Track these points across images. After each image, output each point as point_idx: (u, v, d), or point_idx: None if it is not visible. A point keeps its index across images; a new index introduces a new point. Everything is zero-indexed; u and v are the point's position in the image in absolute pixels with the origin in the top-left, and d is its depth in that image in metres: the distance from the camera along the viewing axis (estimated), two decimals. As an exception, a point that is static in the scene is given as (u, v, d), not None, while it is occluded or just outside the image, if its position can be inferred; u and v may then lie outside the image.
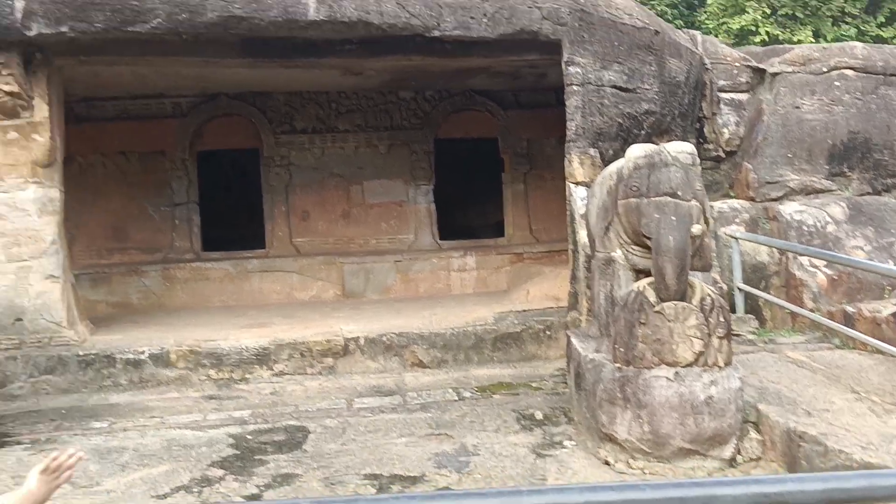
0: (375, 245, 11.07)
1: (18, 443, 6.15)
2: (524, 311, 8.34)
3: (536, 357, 7.86)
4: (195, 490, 5.09)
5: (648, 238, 4.92)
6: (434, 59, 8.26)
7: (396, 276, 10.61)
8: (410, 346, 7.92)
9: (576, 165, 7.62)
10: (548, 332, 7.92)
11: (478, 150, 11.68)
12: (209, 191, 11.26)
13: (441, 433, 6.00)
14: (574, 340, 5.93)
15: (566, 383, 6.79)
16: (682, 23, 16.41)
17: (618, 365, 4.99)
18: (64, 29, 7.11)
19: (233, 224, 11.92)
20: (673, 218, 4.83)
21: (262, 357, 7.80)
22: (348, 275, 10.60)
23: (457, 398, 6.94)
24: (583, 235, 6.96)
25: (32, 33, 7.13)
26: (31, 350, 7.66)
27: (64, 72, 8.08)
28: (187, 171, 10.85)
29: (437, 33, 7.56)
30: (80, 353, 7.66)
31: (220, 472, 5.37)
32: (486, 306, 8.78)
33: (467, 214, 13.05)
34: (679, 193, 4.89)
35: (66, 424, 6.61)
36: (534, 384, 7.16)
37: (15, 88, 7.39)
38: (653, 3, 16.28)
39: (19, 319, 7.80)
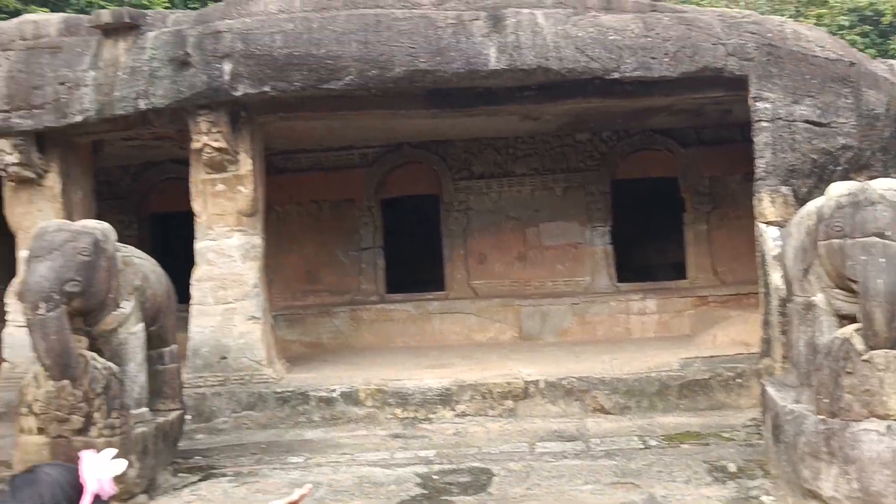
0: (552, 287, 11.06)
1: (224, 475, 6.58)
2: (711, 357, 8.03)
3: (726, 406, 7.52)
4: (386, 528, 5.25)
5: (854, 281, 4.64)
6: (613, 101, 8.25)
7: (573, 319, 10.53)
8: (591, 391, 7.81)
9: (766, 204, 7.30)
10: (738, 380, 7.57)
11: (656, 189, 11.46)
12: (393, 236, 11.71)
13: (627, 482, 5.86)
14: (770, 389, 5.64)
15: (760, 434, 6.45)
16: (874, 52, 15.45)
17: (821, 417, 4.69)
18: (266, 88, 7.70)
19: (415, 268, 12.30)
20: (882, 260, 4.53)
21: (445, 398, 7.95)
22: (525, 317, 10.64)
23: (642, 446, 6.76)
24: (776, 278, 6.65)
25: (238, 94, 7.76)
26: (235, 387, 8.20)
27: (265, 128, 8.72)
28: (373, 217, 11.34)
29: (616, 75, 7.55)
30: (278, 390, 8.13)
31: (410, 512, 5.50)
32: (670, 351, 8.53)
33: (646, 253, 12.79)
34: (887, 233, 4.58)
35: (266, 458, 7.00)
36: (724, 434, 6.85)
37: (223, 144, 8.05)
38: (842, 33, 15.44)
39: (224, 358, 8.39)
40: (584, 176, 11.07)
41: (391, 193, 11.43)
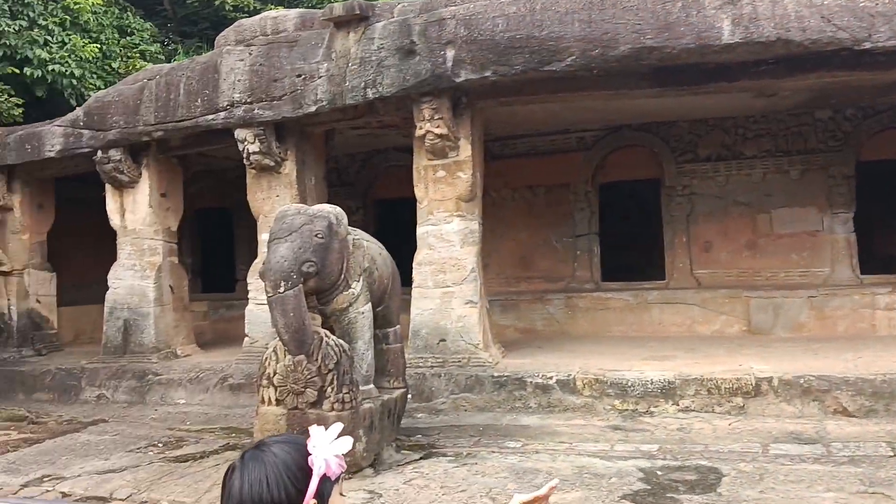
0: (784, 279, 10.29)
1: (444, 454, 6.69)
2: (978, 358, 7.11)
3: None
4: (610, 521, 5.08)
5: None
6: (861, 74, 7.48)
7: (810, 313, 9.74)
8: (832, 392, 7.16)
9: None
10: None
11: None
12: (609, 221, 11.41)
13: (876, 492, 5.29)
14: None
15: None
16: None
17: None
18: (487, 74, 7.71)
19: (631, 255, 11.93)
20: None
21: (667, 391, 7.62)
22: (755, 309, 9.98)
23: (892, 454, 6.10)
24: None
25: (460, 79, 7.83)
26: (453, 369, 8.34)
27: (484, 113, 8.76)
28: (589, 202, 11.12)
29: (867, 45, 6.83)
30: (494, 374, 8.16)
31: (633, 506, 5.29)
32: (926, 350, 7.65)
33: (892, 242, 11.61)
34: None
35: (484, 441, 7.04)
36: None
37: (444, 131, 8.17)
38: None
39: (443, 340, 8.55)
40: (824, 158, 10.19)
41: (609, 178, 11.14)
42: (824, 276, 10.13)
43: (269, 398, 5.82)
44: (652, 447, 6.60)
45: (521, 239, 11.41)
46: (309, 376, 5.71)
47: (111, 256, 9.96)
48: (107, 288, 9.84)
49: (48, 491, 6.03)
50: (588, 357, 8.69)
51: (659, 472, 5.95)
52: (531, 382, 8.03)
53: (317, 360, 5.71)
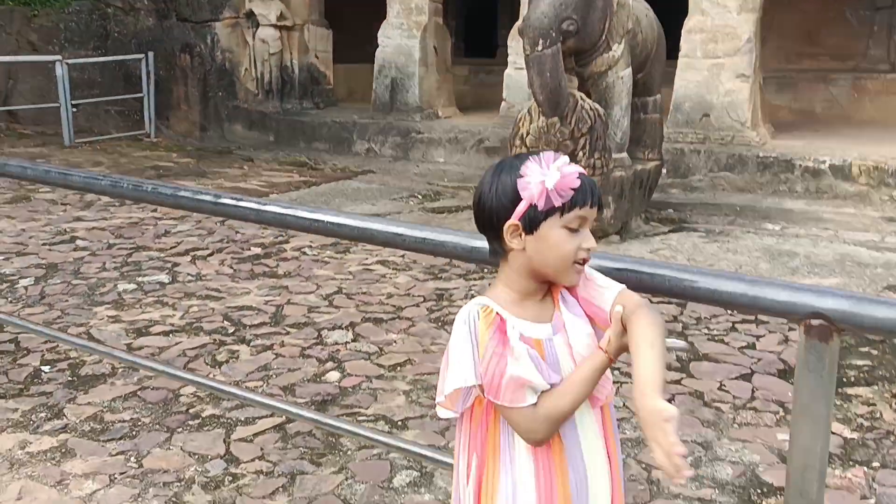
0: None
1: (695, 230, 6.56)
2: None
3: None
4: None
5: None
6: None
7: None
8: None
9: None
10: None
11: None
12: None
13: None
14: None
15: None
16: None
17: None
18: None
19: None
20: None
21: (961, 185, 6.79)
22: None
23: None
24: None
25: None
26: (714, 146, 7.95)
27: None
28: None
29: None
30: (760, 154, 7.69)
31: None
32: None
33: None
34: None
35: (740, 221, 6.79)
36: None
37: None
38: None
39: (706, 115, 8.11)
40: None
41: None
42: None
43: (522, 158, 5.90)
44: (932, 242, 6.03)
45: (807, 10, 10.19)
46: (561, 139, 5.69)
47: (381, 15, 10.25)
48: (377, 47, 10.22)
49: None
50: (870, 143, 7.89)
51: (935, 268, 5.46)
52: (800, 165, 7.49)
53: (570, 122, 5.65)
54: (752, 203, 7.29)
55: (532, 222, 1.39)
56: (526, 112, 5.81)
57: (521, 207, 1.38)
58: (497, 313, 1.42)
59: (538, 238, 1.39)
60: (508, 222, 1.40)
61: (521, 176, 1.39)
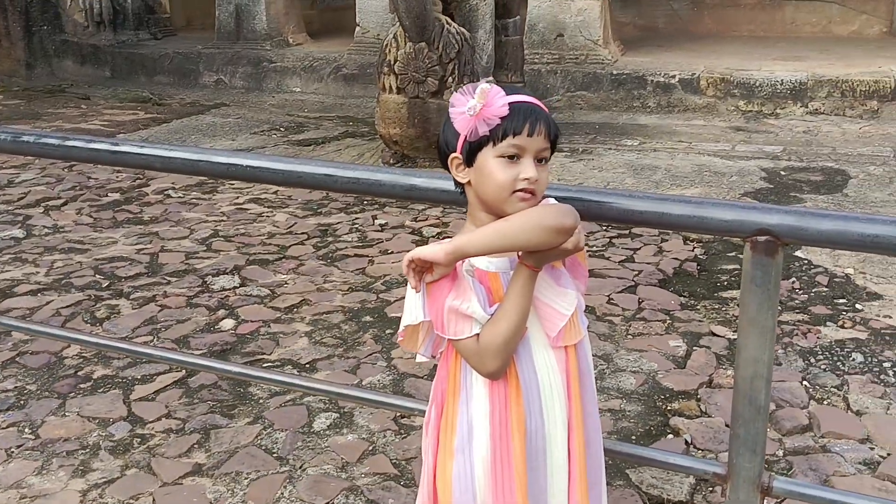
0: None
1: (559, 150, 6.64)
2: None
3: None
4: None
5: None
6: None
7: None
8: (981, 97, 6.69)
9: None
10: None
11: None
12: None
13: None
14: None
15: None
16: None
17: None
18: None
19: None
20: None
21: (797, 92, 7.27)
22: (901, 8, 9.13)
23: None
24: None
25: None
26: (569, 66, 8.09)
27: None
28: None
29: None
30: (613, 72, 7.90)
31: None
32: None
33: None
34: None
35: (600, 139, 6.99)
36: None
37: None
38: None
39: (560, 35, 8.22)
40: None
41: None
42: None
43: (390, 86, 5.80)
44: (776, 148, 6.44)
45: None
46: (430, 65, 5.63)
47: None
48: (216, -27, 9.67)
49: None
50: (712, 57, 8.27)
51: (782, 173, 5.85)
52: (651, 81, 7.77)
53: (438, 48, 5.59)
54: (610, 120, 7.52)
55: (470, 154, 1.40)
56: (392, 38, 5.68)
57: (460, 140, 1.40)
58: None
59: (477, 169, 1.40)
60: (452, 155, 1.42)
61: (452, 106, 1.40)
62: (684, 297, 3.85)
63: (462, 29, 5.70)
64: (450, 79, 5.62)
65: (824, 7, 9.52)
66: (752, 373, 1.58)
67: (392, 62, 5.72)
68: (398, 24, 5.61)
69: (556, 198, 1.60)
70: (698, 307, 3.72)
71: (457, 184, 1.47)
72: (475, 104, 1.36)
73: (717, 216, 1.58)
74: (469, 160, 1.40)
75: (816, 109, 7.17)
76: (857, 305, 3.67)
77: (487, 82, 1.43)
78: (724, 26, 9.80)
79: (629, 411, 2.89)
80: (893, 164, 5.92)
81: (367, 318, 3.60)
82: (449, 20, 5.68)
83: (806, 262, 4.16)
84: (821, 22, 9.53)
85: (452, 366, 1.49)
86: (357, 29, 9.08)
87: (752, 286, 1.54)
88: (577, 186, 1.64)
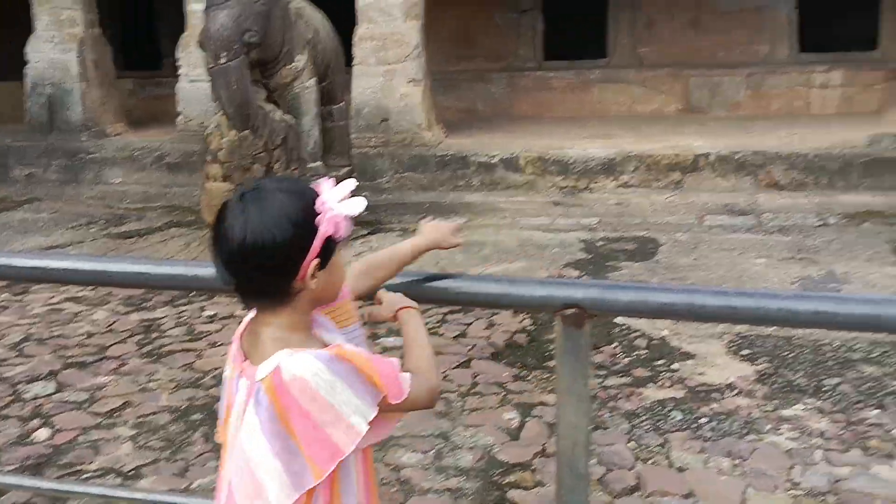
0: (724, 57, 10.27)
1: (391, 229, 6.81)
2: (905, 134, 7.38)
3: (916, 186, 7.01)
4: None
5: None
6: None
7: (747, 92, 9.84)
8: (766, 166, 7.42)
9: None
10: (934, 159, 6.99)
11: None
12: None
13: (804, 258, 5.65)
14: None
15: (955, 217, 6.01)
16: None
17: None
18: None
19: (576, 29, 11.63)
20: None
21: (608, 167, 7.78)
22: (694, 88, 10.03)
23: (819, 223, 6.46)
24: None
25: None
26: (396, 149, 8.29)
27: None
28: (533, -25, 10.69)
29: None
30: (438, 153, 8.17)
31: (576, 273, 5.53)
32: (855, 127, 7.88)
33: (835, 22, 11.54)
34: None
35: (429, 217, 7.15)
36: (912, 215, 6.43)
37: None
38: None
39: (385, 120, 8.43)
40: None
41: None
42: (764, 53, 10.15)
43: (216, 174, 5.72)
44: (592, 220, 6.84)
45: (461, 14, 10.96)
46: (255, 152, 5.61)
47: (23, 29, 9.30)
48: (20, 63, 9.26)
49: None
50: (530, 136, 8.72)
51: (599, 243, 6.21)
52: (474, 161, 8.08)
53: (263, 135, 5.59)
54: (438, 199, 7.74)
55: (327, 253, 1.32)
56: (215, 126, 5.63)
57: (318, 242, 1.30)
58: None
59: (331, 267, 1.34)
60: (313, 262, 1.30)
61: (316, 208, 1.30)
62: (516, 368, 3.95)
63: (287, 116, 5.74)
64: (276, 165, 5.62)
65: (628, 88, 10.30)
66: (572, 440, 1.64)
67: (216, 150, 5.65)
68: (221, 112, 5.57)
69: (391, 283, 1.65)
70: (530, 378, 3.83)
71: (267, 292, 1.34)
72: (352, 203, 1.33)
73: (528, 293, 1.65)
74: (326, 261, 1.32)
75: (626, 183, 7.69)
76: (674, 365, 3.91)
77: (322, 177, 1.41)
78: (539, 108, 10.39)
79: (467, 489, 2.91)
80: (697, 231, 6.42)
81: (196, 416, 3.45)
82: (273, 107, 5.71)
83: (626, 327, 4.38)
84: (626, 102, 10.30)
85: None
86: (179, 117, 8.93)
87: (564, 357, 1.62)
88: (409, 272, 1.68)
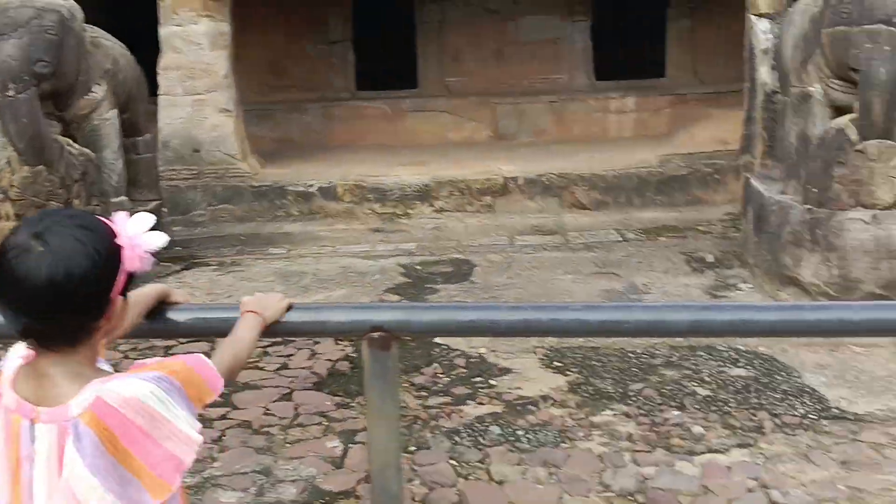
0: (528, 86, 10.79)
1: (207, 264, 6.60)
2: (689, 154, 8.05)
3: (703, 201, 7.64)
4: (376, 313, 5.35)
5: (855, 71, 4.55)
6: None
7: (550, 118, 10.38)
8: (570, 188, 7.86)
9: (759, -4, 7.05)
10: (716, 176, 7.66)
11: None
12: (365, 28, 11.17)
13: (608, 272, 6.01)
14: (754, 182, 5.69)
15: (736, 227, 6.60)
16: None
17: (808, 206, 4.76)
18: None
19: (389, 61, 11.83)
20: (887, 48, 4.42)
21: (423, 194, 7.95)
22: (501, 116, 10.47)
23: (620, 239, 6.90)
24: (763, 72, 6.51)
25: None
26: (209, 180, 8.07)
27: None
28: (342, 6, 10.78)
29: None
30: (254, 184, 8.04)
31: (396, 298, 5.60)
32: (648, 149, 8.51)
33: (626, 51, 12.41)
34: (895, 21, 4.45)
35: (248, 249, 7.02)
36: (701, 227, 7.00)
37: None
38: None
39: (196, 151, 8.18)
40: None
41: (362, -19, 10.80)
42: (564, 82, 10.76)
43: (7, 213, 5.33)
44: (411, 245, 6.96)
45: (272, 44, 10.88)
46: (51, 188, 5.28)
47: None
48: None
49: None
50: (347, 165, 8.75)
51: (418, 267, 6.32)
52: (292, 191, 8.02)
53: (59, 170, 5.28)
54: (255, 230, 7.60)
55: (128, 287, 1.32)
56: (5, 163, 5.25)
57: (122, 277, 1.29)
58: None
59: (129, 300, 1.34)
60: (119, 298, 1.29)
61: (118, 242, 1.28)
62: (339, 396, 3.94)
63: (85, 150, 5.46)
64: (76, 201, 5.31)
65: (439, 116, 10.58)
66: (383, 462, 1.66)
67: (7, 188, 5.27)
68: (11, 147, 5.21)
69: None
70: (352, 405, 3.83)
71: (68, 329, 1.27)
72: (153, 237, 1.33)
73: (335, 319, 1.67)
74: (125, 295, 1.32)
75: (441, 208, 7.89)
76: (492, 381, 4.04)
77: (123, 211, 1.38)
78: (354, 136, 10.45)
79: (292, 522, 2.87)
80: (510, 251, 6.69)
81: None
82: (70, 141, 5.42)
83: (445, 347, 4.48)
84: (438, 130, 10.56)
85: None
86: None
87: (373, 380, 1.64)
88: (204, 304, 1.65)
